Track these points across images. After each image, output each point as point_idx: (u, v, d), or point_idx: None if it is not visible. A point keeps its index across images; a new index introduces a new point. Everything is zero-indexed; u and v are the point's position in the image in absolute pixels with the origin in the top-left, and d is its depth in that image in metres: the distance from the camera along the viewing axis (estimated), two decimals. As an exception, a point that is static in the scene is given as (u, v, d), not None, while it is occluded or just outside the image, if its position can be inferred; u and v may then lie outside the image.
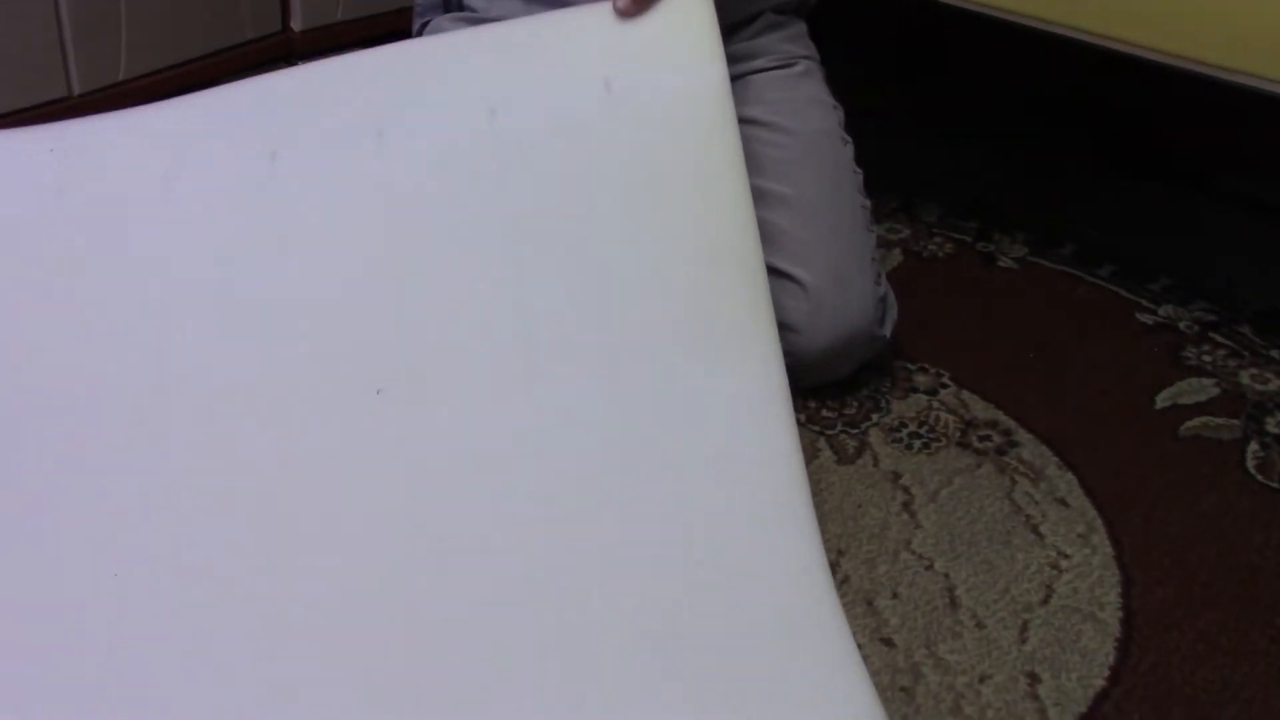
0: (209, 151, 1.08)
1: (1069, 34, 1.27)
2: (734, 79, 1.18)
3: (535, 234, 1.06)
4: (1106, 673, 1.00)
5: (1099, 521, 1.15)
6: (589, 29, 1.09)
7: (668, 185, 1.08)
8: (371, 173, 1.07)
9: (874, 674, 0.96)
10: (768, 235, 1.21)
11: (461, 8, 1.31)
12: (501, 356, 1.04)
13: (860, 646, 0.99)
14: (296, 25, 1.99)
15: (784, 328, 1.20)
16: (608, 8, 1.09)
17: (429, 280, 1.05)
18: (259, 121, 1.08)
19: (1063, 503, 1.17)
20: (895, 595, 1.06)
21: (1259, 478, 1.22)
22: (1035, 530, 1.14)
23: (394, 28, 2.04)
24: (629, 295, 1.06)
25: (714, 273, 1.06)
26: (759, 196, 1.21)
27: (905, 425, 1.27)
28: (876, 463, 1.22)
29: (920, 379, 1.34)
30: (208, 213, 1.06)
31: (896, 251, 1.57)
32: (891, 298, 1.30)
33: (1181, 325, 1.46)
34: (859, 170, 1.31)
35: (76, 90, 1.73)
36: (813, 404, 1.29)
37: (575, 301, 1.05)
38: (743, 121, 1.17)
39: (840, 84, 1.37)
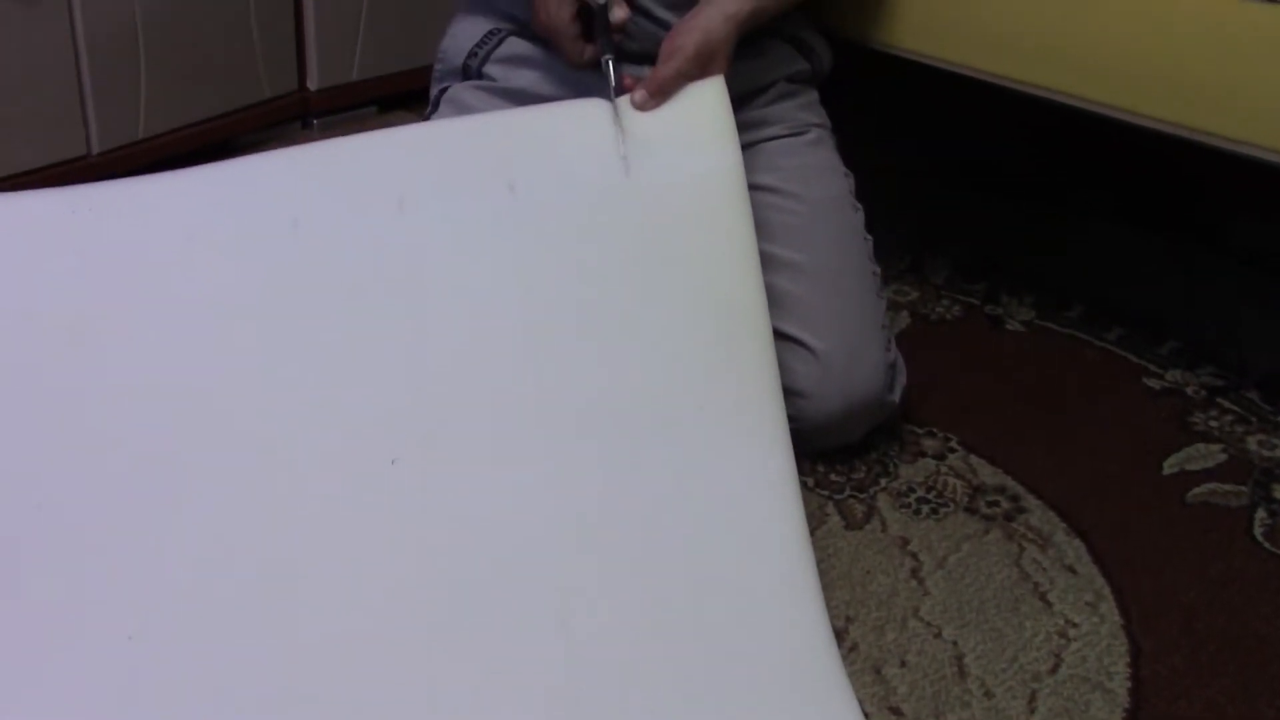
0: (230, 217, 1.09)
1: (1075, 103, 1.29)
2: (747, 146, 1.20)
3: (550, 309, 1.08)
4: (1115, 744, 1.01)
5: (1107, 589, 1.16)
6: (606, 113, 1.11)
7: (680, 265, 1.09)
8: (392, 243, 1.08)
9: (882, 744, 0.96)
10: (779, 301, 1.22)
11: (480, 76, 1.33)
12: (514, 429, 1.05)
13: (869, 716, 0.99)
14: (312, 84, 2.01)
15: (794, 393, 1.22)
16: (624, 97, 1.12)
17: (445, 351, 1.07)
18: (281, 190, 1.10)
19: (1071, 570, 1.18)
20: (904, 663, 1.07)
21: (1266, 545, 1.23)
22: (1043, 598, 1.14)
23: (408, 87, 2.07)
24: (640, 370, 1.07)
25: (723, 351, 1.08)
26: (771, 262, 1.23)
27: (913, 490, 1.28)
28: (885, 528, 1.22)
29: (928, 443, 1.35)
30: (228, 278, 1.07)
31: (904, 314, 1.58)
32: (901, 363, 1.31)
33: (1189, 390, 1.46)
34: (869, 237, 1.33)
35: (96, 149, 1.76)
36: (821, 468, 1.29)
37: (589, 375, 1.07)
38: (755, 188, 1.19)
39: (847, 142, 1.39)
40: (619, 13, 1.14)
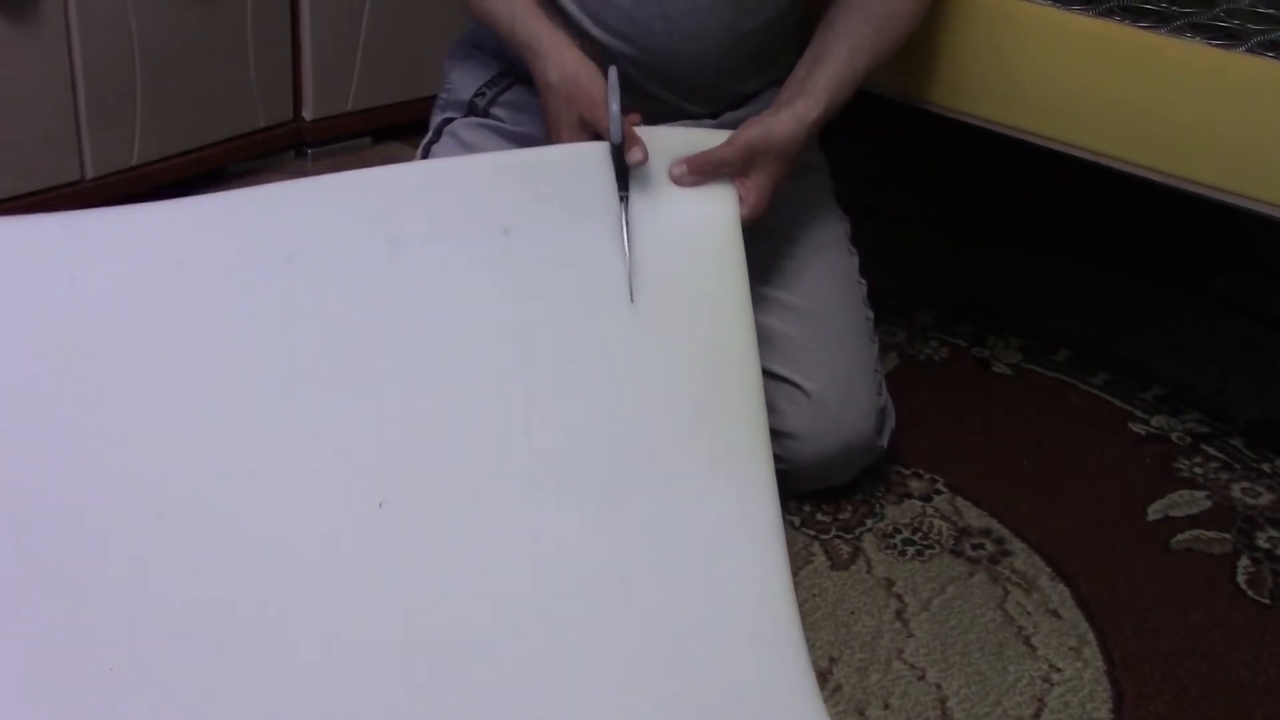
0: (224, 249, 1.09)
1: (1069, 151, 1.30)
2: None
3: (540, 354, 1.08)
4: (1097, 790, 1.01)
5: (1091, 634, 1.16)
6: (603, 157, 1.11)
7: (673, 315, 1.10)
8: (385, 283, 1.08)
9: (865, 786, 0.96)
10: (772, 342, 1.23)
11: (486, 114, 1.33)
12: (502, 474, 1.05)
13: (852, 758, 1.00)
14: (308, 114, 2.02)
15: (785, 434, 1.22)
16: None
17: (434, 393, 1.07)
18: (274, 224, 1.09)
19: (1055, 614, 1.18)
20: (887, 706, 1.07)
21: (1249, 593, 1.23)
22: (1027, 642, 1.15)
23: (403, 119, 2.08)
24: (630, 417, 1.08)
25: (712, 398, 1.08)
26: (765, 303, 1.24)
27: (899, 531, 1.28)
28: (870, 569, 1.23)
29: (914, 484, 1.35)
30: (221, 312, 1.07)
31: (892, 354, 1.59)
32: (890, 407, 1.31)
33: (1174, 436, 1.47)
34: (863, 281, 1.34)
35: (90, 174, 1.76)
36: (807, 507, 1.30)
37: (576, 420, 1.07)
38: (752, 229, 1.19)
39: (842, 187, 1.40)
40: (638, 154, 1.11)
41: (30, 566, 1.00)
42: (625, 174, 1.11)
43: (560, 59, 1.15)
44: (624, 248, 1.10)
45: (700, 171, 1.13)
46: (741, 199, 1.14)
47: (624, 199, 1.11)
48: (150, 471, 1.03)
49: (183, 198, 1.13)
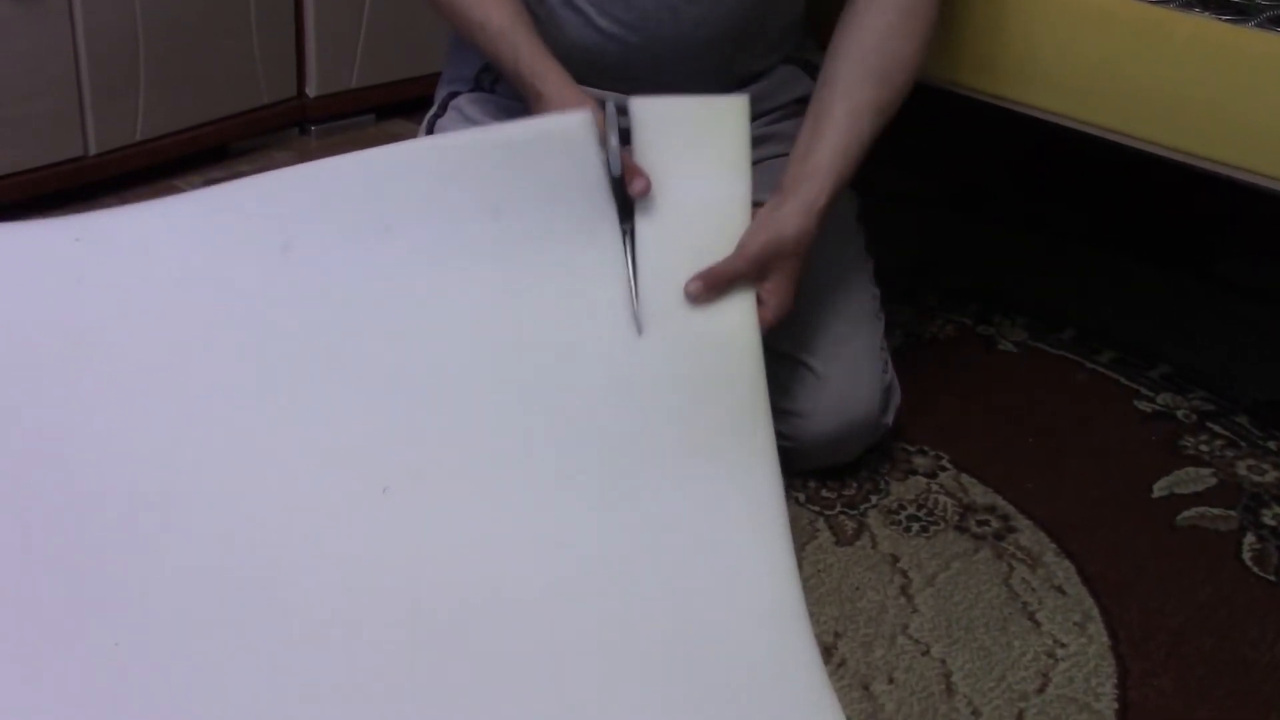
0: (223, 244, 1.09)
1: (1076, 126, 1.30)
2: (754, 163, 1.20)
3: (537, 336, 1.08)
4: (1101, 765, 1.01)
5: (1096, 610, 1.16)
6: (589, 130, 1.09)
7: (674, 293, 1.10)
8: (380, 269, 1.08)
9: (870, 760, 0.96)
10: (779, 320, 1.22)
11: (493, 89, 1.32)
12: (504, 457, 1.05)
13: (857, 732, 1.00)
14: (311, 91, 2.02)
15: (791, 412, 1.22)
16: (611, 112, 1.11)
17: (432, 379, 1.07)
18: (274, 214, 1.09)
19: (1060, 590, 1.18)
20: (891, 680, 1.07)
21: (1255, 570, 1.23)
22: (1032, 617, 1.15)
23: (406, 96, 2.07)
24: (631, 395, 1.08)
25: (713, 376, 1.09)
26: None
27: (904, 507, 1.28)
28: (875, 545, 1.23)
29: (919, 461, 1.35)
30: (223, 305, 1.08)
31: (898, 332, 1.58)
32: (896, 385, 1.31)
33: (1180, 414, 1.47)
34: (870, 258, 1.33)
35: (93, 150, 1.76)
36: (812, 484, 1.30)
37: (580, 400, 1.07)
38: (760, 206, 1.19)
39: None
40: (640, 185, 1.09)
41: (37, 557, 0.99)
42: (628, 206, 1.10)
43: (562, 99, 1.13)
44: (628, 272, 1.09)
45: (715, 287, 1.10)
46: (763, 302, 1.12)
47: (627, 231, 1.10)
48: (154, 461, 1.03)
49: (185, 194, 1.13)
